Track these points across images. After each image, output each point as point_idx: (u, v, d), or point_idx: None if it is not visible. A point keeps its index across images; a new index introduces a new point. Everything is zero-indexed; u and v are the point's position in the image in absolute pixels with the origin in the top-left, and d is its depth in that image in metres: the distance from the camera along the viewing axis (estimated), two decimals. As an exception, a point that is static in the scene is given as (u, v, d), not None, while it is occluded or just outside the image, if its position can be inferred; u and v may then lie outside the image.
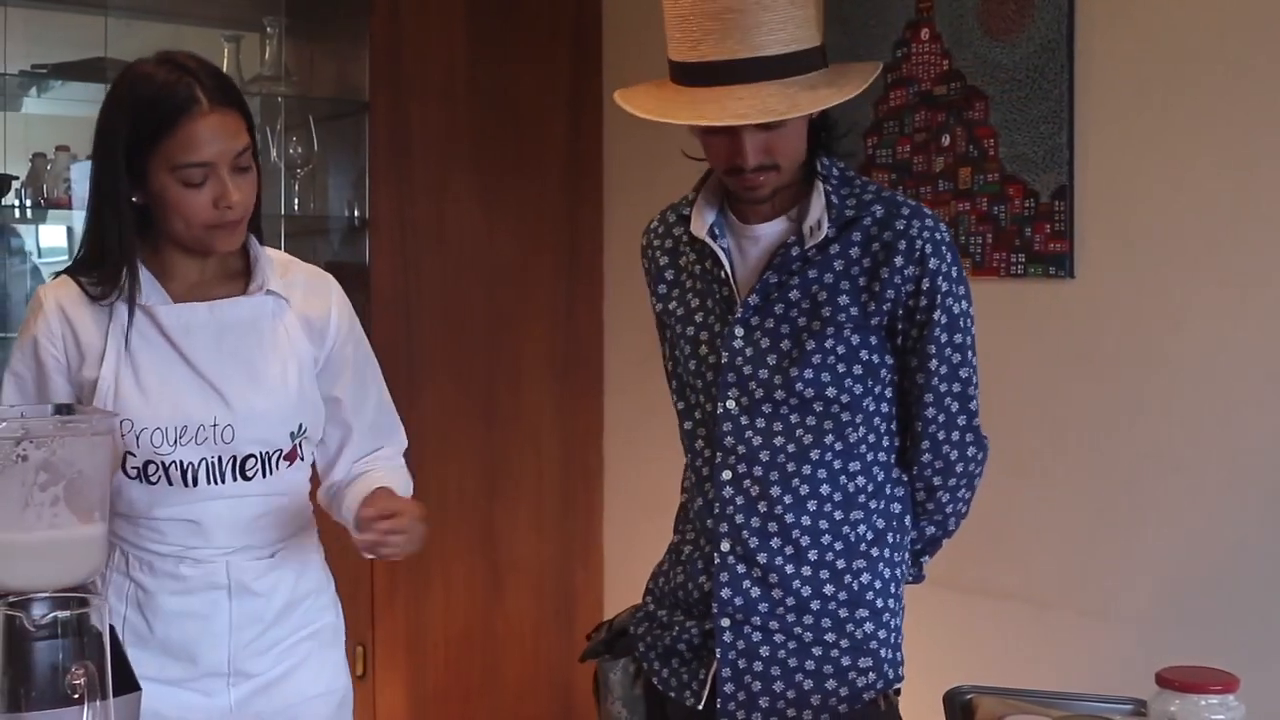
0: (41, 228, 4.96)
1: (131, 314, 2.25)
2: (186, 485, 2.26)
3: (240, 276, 2.37)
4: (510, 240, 4.69)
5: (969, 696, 2.10)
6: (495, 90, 4.71)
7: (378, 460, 2.50)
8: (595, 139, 4.95)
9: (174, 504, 2.27)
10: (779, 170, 2.24)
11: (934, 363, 2.30)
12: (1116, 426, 3.29)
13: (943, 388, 2.32)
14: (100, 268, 2.26)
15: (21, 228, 4.96)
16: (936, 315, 2.27)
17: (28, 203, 4.61)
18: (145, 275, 2.27)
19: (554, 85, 4.87)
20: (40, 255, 5.02)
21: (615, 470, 4.86)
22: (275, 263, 2.40)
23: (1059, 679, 3.18)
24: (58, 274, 2.35)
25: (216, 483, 2.27)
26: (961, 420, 2.36)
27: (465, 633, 4.61)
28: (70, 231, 5.02)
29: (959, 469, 2.39)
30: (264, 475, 2.31)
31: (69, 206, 4.60)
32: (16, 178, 4.53)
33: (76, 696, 1.59)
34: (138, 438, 2.24)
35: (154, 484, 2.26)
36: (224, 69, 4.70)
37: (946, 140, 3.63)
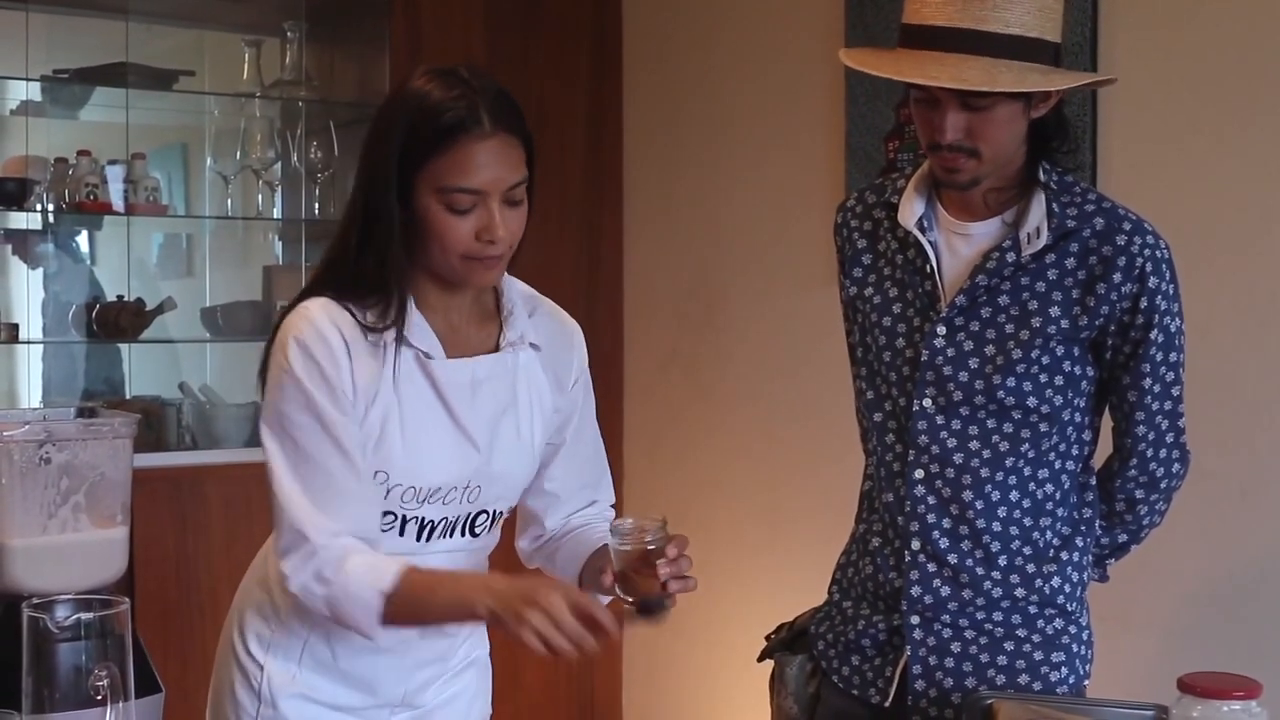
0: (63, 233, 4.98)
1: (398, 352, 2.08)
2: (419, 540, 2.14)
3: (492, 317, 2.22)
4: (530, 247, 4.65)
5: (990, 702, 2.09)
6: (515, 95, 4.69)
7: (593, 519, 2.34)
8: (615, 146, 4.95)
9: (396, 550, 2.12)
10: (980, 159, 2.17)
11: (1148, 381, 2.26)
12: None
13: (1154, 406, 2.28)
14: (369, 293, 2.08)
15: (42, 231, 4.98)
16: (1153, 334, 2.22)
17: (50, 207, 4.62)
18: (416, 314, 2.11)
19: (574, 93, 4.87)
20: (62, 260, 5.03)
21: (635, 477, 4.86)
22: (525, 303, 2.26)
23: (1080, 685, 3.18)
24: (303, 295, 2.13)
25: (447, 539, 2.17)
26: (1170, 438, 2.32)
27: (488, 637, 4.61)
28: (92, 236, 5.05)
29: (1163, 485, 2.36)
30: (489, 531, 2.23)
31: (91, 211, 4.62)
32: (39, 182, 4.55)
33: (99, 698, 1.59)
34: (388, 491, 2.09)
35: (385, 531, 2.12)
36: (244, 74, 4.78)
37: (967, 145, 3.62)
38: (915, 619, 2.28)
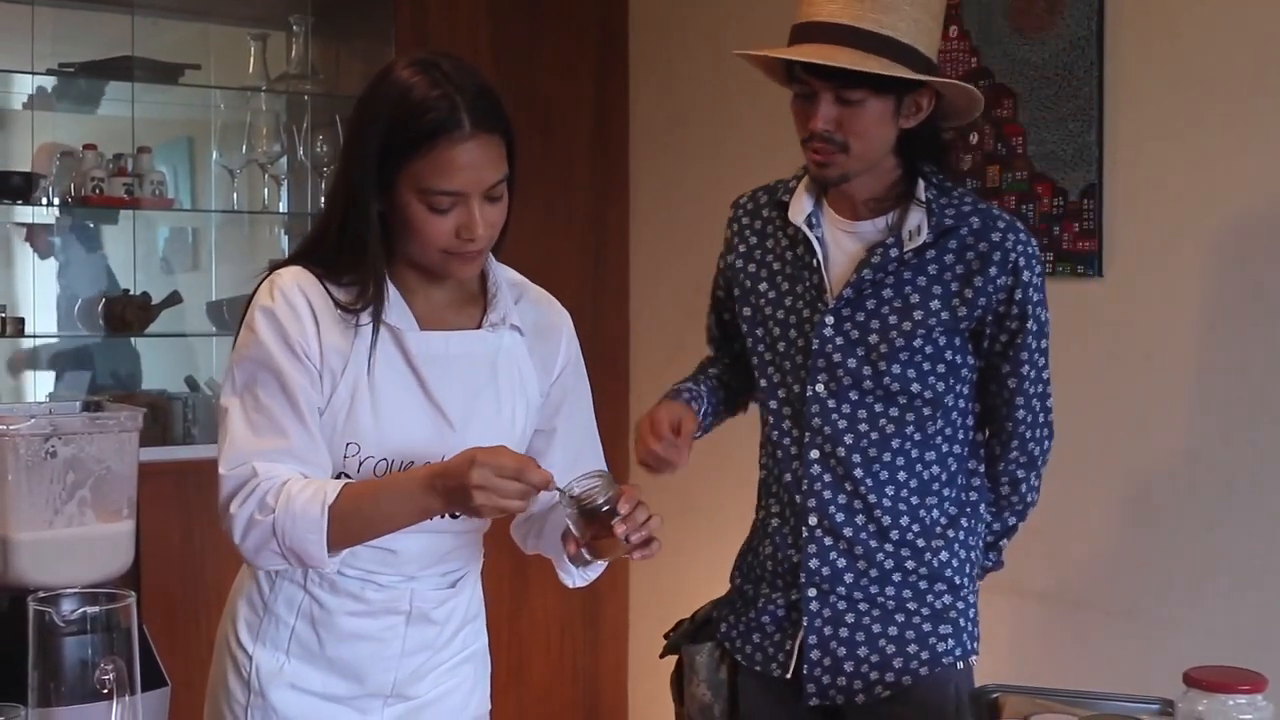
0: (69, 227, 4.98)
1: (376, 331, 2.10)
2: None
3: (476, 300, 2.23)
4: (537, 241, 4.67)
5: (995, 695, 2.10)
6: (521, 89, 4.71)
7: None
8: (621, 141, 4.95)
9: None
10: (848, 153, 2.33)
11: (1025, 368, 2.45)
12: (1145, 426, 3.28)
13: (1032, 390, 2.47)
14: (345, 272, 2.10)
15: (48, 225, 4.98)
16: (1029, 324, 2.41)
17: (55, 201, 4.63)
18: (393, 293, 2.12)
19: (580, 87, 4.87)
20: (68, 254, 5.04)
21: (641, 471, 4.85)
22: (511, 288, 2.26)
23: (1086, 678, 3.18)
24: (277, 265, 2.16)
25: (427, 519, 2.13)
26: (1043, 417, 2.51)
27: (491, 631, 4.60)
28: (98, 230, 5.05)
29: (1039, 462, 2.55)
30: (454, 515, 2.16)
31: (96, 205, 4.62)
32: (44, 176, 4.55)
33: (106, 692, 1.59)
34: (360, 464, 2.10)
35: None
36: (250, 68, 4.77)
37: (974, 138, 3.62)
38: (812, 591, 2.43)
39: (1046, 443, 2.54)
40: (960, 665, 2.47)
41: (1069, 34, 3.38)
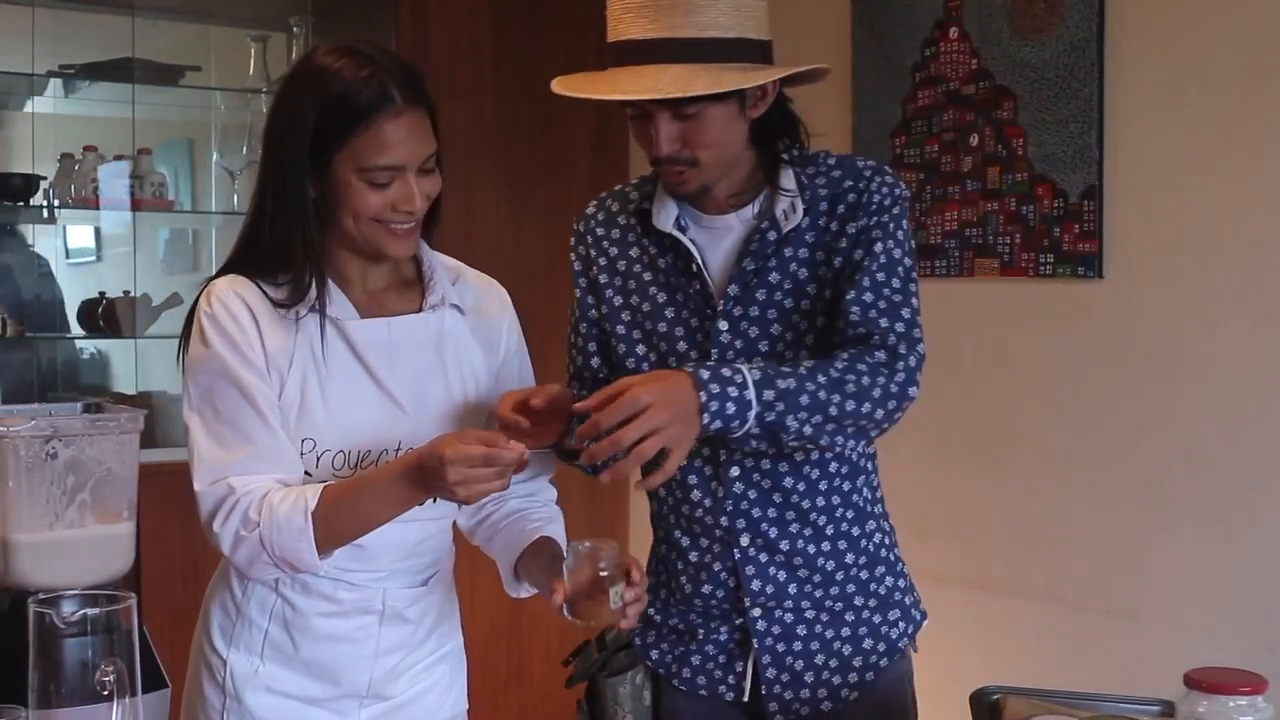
0: (70, 228, 4.98)
1: (324, 326, 2.11)
2: None
3: (414, 285, 2.24)
4: (537, 239, 4.68)
5: (996, 696, 2.10)
6: (522, 89, 4.71)
7: (530, 505, 2.36)
8: (622, 138, 4.94)
9: None
10: (699, 166, 2.16)
11: (865, 290, 2.18)
12: (1145, 426, 3.28)
13: (874, 303, 2.19)
14: (281, 271, 2.11)
15: (48, 227, 4.98)
16: (878, 257, 2.19)
17: (55, 202, 4.63)
18: (330, 286, 2.13)
19: (580, 85, 4.86)
20: (69, 255, 5.04)
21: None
22: (447, 271, 2.27)
23: (1086, 679, 3.17)
24: (216, 274, 2.16)
25: None
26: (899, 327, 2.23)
27: (492, 633, 4.61)
28: (98, 232, 5.05)
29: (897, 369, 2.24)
30: (435, 499, 2.14)
31: (96, 206, 4.62)
32: (44, 178, 4.55)
33: (106, 693, 1.59)
34: (318, 459, 2.10)
35: None
36: (250, 69, 4.78)
37: (975, 140, 3.62)
38: (758, 612, 2.29)
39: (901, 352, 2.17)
40: (914, 646, 2.39)
41: (1069, 35, 3.38)
